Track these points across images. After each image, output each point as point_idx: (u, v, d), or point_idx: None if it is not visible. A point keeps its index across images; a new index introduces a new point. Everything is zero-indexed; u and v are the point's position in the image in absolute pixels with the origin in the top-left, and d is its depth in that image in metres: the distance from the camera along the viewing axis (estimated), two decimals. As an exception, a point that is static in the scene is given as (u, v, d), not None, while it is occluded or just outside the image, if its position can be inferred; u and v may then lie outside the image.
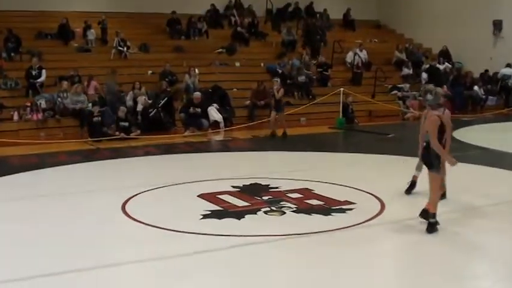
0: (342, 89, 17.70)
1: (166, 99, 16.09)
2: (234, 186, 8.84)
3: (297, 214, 7.42)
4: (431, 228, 6.58)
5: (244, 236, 6.51)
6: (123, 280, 5.44)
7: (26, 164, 11.17)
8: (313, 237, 6.55)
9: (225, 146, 14.40)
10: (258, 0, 23.70)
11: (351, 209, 7.59)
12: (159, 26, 21.26)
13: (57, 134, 14.80)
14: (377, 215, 7.37)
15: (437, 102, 6.81)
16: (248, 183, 9.06)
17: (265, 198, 8.20)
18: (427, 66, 21.76)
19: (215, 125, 16.05)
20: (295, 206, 7.72)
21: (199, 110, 15.60)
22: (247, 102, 17.57)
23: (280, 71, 19.33)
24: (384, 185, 8.80)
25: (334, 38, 22.20)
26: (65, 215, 7.57)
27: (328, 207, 7.69)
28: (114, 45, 18.91)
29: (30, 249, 6.12)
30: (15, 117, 14.95)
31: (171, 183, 9.16)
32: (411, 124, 16.67)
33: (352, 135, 16.43)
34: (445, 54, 23.05)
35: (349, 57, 21.57)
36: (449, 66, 22.59)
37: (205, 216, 7.27)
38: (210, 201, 7.94)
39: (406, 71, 21.89)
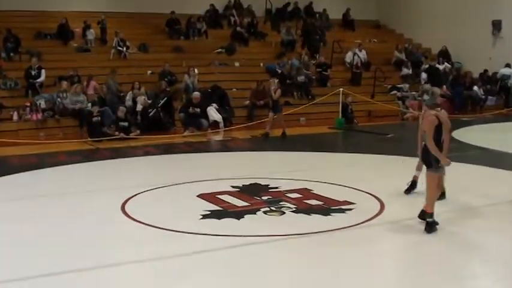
0: (341, 89, 17.70)
1: (165, 99, 16.09)
2: (233, 186, 8.84)
3: (296, 214, 7.42)
4: (430, 228, 6.59)
5: (243, 236, 6.51)
6: (123, 280, 5.44)
7: (25, 164, 11.17)
8: (313, 237, 6.55)
9: (225, 146, 14.40)
10: (257, 0, 23.71)
11: (350, 209, 7.59)
12: (158, 26, 21.26)
13: (57, 134, 14.80)
14: (377, 215, 7.37)
15: (434, 102, 6.81)
16: (248, 183, 9.06)
17: (264, 198, 8.20)
18: (427, 66, 21.75)
19: (214, 125, 16.05)
20: (295, 206, 7.72)
21: (198, 110, 15.60)
22: (247, 102, 17.56)
23: (279, 71, 19.34)
24: (383, 185, 8.80)
25: (334, 38, 22.20)
26: (65, 215, 7.57)
27: (328, 207, 7.69)
28: (114, 45, 18.91)
29: (30, 249, 6.11)
30: (15, 117, 14.95)
31: (171, 183, 9.16)
32: (410, 124, 16.64)
33: (351, 135, 16.44)
34: (444, 54, 23.06)
35: (349, 57, 21.58)
36: (449, 66, 22.60)
37: (204, 216, 7.27)
38: (210, 201, 7.94)
39: (406, 71, 21.90)
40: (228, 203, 7.90)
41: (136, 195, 8.37)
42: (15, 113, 14.95)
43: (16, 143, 13.20)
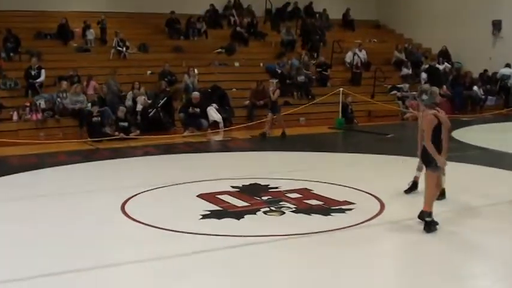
0: (341, 89, 17.70)
1: (165, 99, 16.09)
2: (233, 187, 8.83)
3: (296, 214, 7.41)
4: (428, 227, 6.58)
5: (243, 236, 6.51)
6: (122, 280, 5.43)
7: (25, 164, 11.17)
8: (313, 237, 6.55)
9: (225, 146, 14.40)
10: (257, 0, 23.71)
11: (350, 209, 7.58)
12: (158, 26, 21.26)
13: (57, 134, 14.80)
14: (376, 215, 7.36)
15: (433, 101, 6.80)
16: (247, 183, 9.05)
17: (264, 198, 8.19)
18: (427, 66, 21.76)
19: (214, 125, 16.05)
20: (295, 206, 7.71)
21: (198, 110, 15.60)
22: (247, 102, 17.57)
23: (279, 71, 19.35)
24: (383, 185, 8.79)
25: (334, 38, 22.20)
26: (65, 215, 7.57)
27: (328, 207, 7.69)
28: (114, 45, 18.91)
29: (30, 250, 6.11)
30: (15, 117, 14.96)
31: (171, 184, 9.16)
32: (410, 124, 16.63)
33: (351, 135, 16.44)
34: (444, 54, 23.06)
35: (349, 57, 21.58)
36: (449, 66, 22.60)
37: (204, 217, 7.27)
38: (210, 202, 7.94)
39: (406, 71, 21.89)
40: (228, 203, 7.90)
41: (136, 195, 8.37)
42: (15, 113, 14.96)
43: (16, 143, 13.20)
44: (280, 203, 7.85)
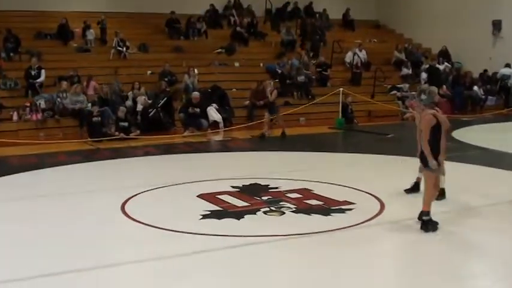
0: (341, 89, 17.69)
1: (165, 99, 16.09)
2: (233, 187, 8.83)
3: (296, 214, 7.41)
4: (426, 226, 6.58)
5: (243, 236, 6.51)
6: (123, 280, 5.44)
7: (25, 164, 11.17)
8: (313, 237, 6.55)
9: (225, 146, 14.40)
10: (257, 0, 23.71)
11: (350, 209, 7.59)
12: (158, 26, 21.26)
13: (57, 134, 14.80)
14: (376, 215, 7.37)
15: (432, 101, 6.80)
16: (247, 184, 9.05)
17: (264, 198, 8.20)
18: (427, 66, 21.77)
19: (214, 125, 16.05)
20: (295, 206, 7.72)
21: (198, 110, 15.60)
22: (247, 102, 17.56)
23: (279, 71, 19.35)
24: (383, 185, 8.79)
25: (334, 38, 22.20)
26: (65, 215, 7.57)
27: (328, 207, 7.69)
28: (114, 45, 18.91)
29: (30, 250, 6.11)
30: (15, 117, 14.96)
31: (171, 184, 9.16)
32: (410, 124, 16.60)
33: (351, 135, 16.44)
34: (444, 54, 23.07)
35: (349, 57, 21.58)
36: (449, 66, 22.60)
37: (204, 217, 7.27)
38: (210, 202, 7.94)
39: (406, 71, 21.89)
40: (228, 203, 7.90)
41: (136, 195, 8.38)
42: (15, 113, 14.96)
43: (16, 143, 13.20)
44: (280, 203, 7.86)
